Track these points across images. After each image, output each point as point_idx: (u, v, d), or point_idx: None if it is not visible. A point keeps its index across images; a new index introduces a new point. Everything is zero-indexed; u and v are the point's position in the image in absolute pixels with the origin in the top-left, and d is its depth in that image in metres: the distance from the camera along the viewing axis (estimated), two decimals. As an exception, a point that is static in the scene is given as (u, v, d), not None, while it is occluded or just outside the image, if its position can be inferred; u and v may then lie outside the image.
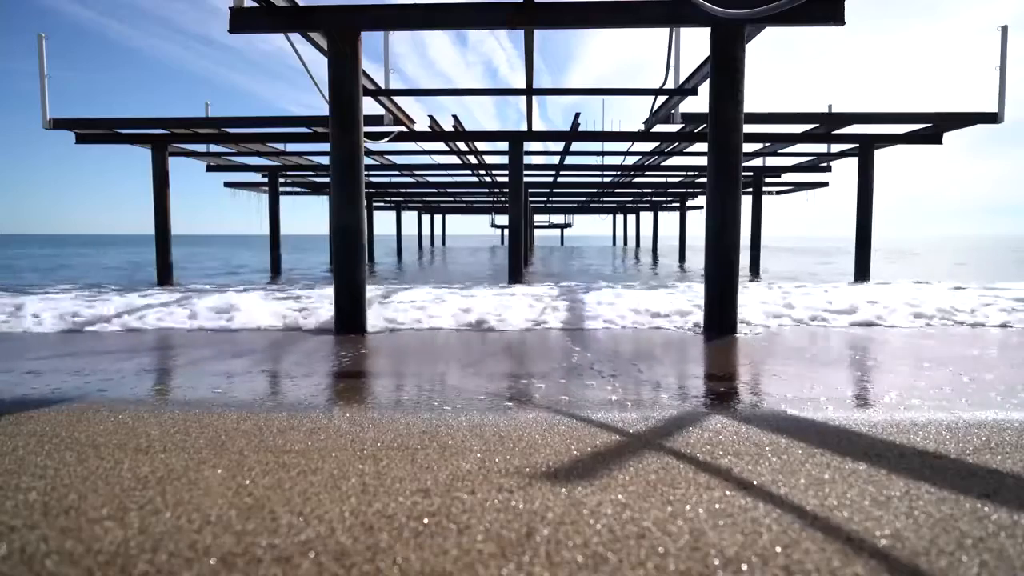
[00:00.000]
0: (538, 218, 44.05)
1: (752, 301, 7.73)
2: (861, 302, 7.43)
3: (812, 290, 9.70)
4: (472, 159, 14.56)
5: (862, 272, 12.60)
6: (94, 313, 7.16)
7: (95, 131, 11.29)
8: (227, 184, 18.78)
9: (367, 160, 13.85)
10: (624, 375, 4.10)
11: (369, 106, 7.63)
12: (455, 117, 10.73)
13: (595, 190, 23.41)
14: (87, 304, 7.91)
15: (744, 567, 1.58)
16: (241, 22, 5.93)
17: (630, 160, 15.02)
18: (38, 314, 7.01)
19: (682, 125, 10.34)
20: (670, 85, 8.12)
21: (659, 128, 10.86)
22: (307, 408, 3.24)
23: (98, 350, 5.20)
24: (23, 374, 4.20)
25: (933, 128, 11.33)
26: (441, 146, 12.63)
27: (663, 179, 19.41)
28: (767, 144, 12.73)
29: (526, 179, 18.08)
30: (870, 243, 12.75)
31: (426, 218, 42.01)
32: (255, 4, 5.72)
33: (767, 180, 18.63)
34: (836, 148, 13.49)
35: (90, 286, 11.61)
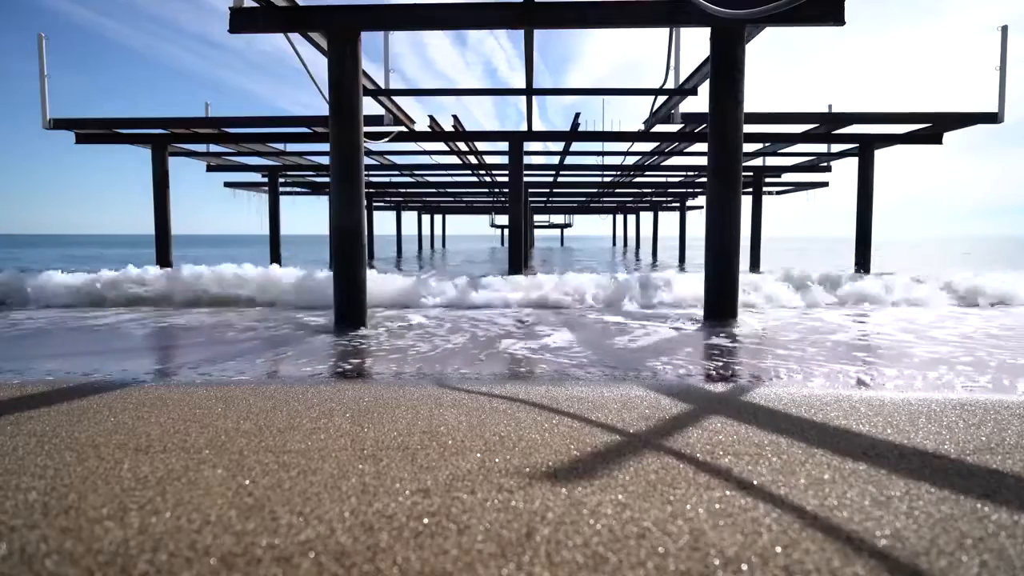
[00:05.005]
0: (538, 218, 44.01)
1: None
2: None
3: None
4: (472, 159, 14.56)
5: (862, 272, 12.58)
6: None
7: (95, 131, 11.30)
8: (227, 184, 18.79)
9: (367, 160, 13.85)
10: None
11: (369, 106, 7.64)
12: (455, 117, 10.73)
13: (595, 190, 23.41)
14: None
15: (744, 567, 1.58)
16: (241, 22, 5.93)
17: (630, 160, 15.02)
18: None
19: (682, 125, 10.34)
20: (670, 85, 8.13)
21: (659, 128, 10.86)
22: (310, 403, 3.24)
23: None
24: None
25: (933, 128, 11.33)
26: (441, 146, 12.63)
27: (663, 179, 19.41)
28: (767, 144, 12.73)
29: (526, 179, 18.07)
30: (870, 243, 12.75)
31: (426, 218, 41.99)
32: (255, 4, 5.72)
33: (767, 180, 18.63)
34: (836, 148, 13.50)
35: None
